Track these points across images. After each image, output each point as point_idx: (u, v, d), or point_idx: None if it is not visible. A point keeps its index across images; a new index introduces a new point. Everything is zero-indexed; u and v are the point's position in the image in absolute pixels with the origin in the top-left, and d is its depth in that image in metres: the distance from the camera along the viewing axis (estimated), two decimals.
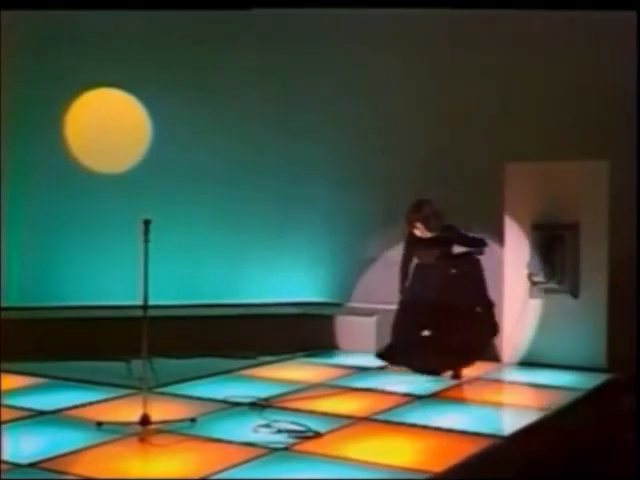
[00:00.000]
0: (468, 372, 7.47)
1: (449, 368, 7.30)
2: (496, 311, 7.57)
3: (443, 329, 7.24)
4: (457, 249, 7.52)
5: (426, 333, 7.32)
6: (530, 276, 7.93)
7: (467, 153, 9.01)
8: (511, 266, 8.06)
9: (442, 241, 7.36)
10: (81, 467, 5.07)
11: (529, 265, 7.91)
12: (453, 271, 7.36)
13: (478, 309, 7.36)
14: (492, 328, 7.51)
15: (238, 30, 9.37)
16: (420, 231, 7.36)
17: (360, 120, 9.41)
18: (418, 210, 7.36)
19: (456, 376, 7.29)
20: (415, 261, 7.53)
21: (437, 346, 7.22)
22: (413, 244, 7.48)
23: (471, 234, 7.49)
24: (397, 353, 7.37)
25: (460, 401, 6.65)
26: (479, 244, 7.43)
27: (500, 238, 8.16)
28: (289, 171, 9.46)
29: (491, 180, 8.26)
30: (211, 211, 9.25)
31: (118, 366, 7.59)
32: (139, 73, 9.19)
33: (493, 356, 7.96)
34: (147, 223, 5.65)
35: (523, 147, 8.59)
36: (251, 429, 5.66)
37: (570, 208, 7.84)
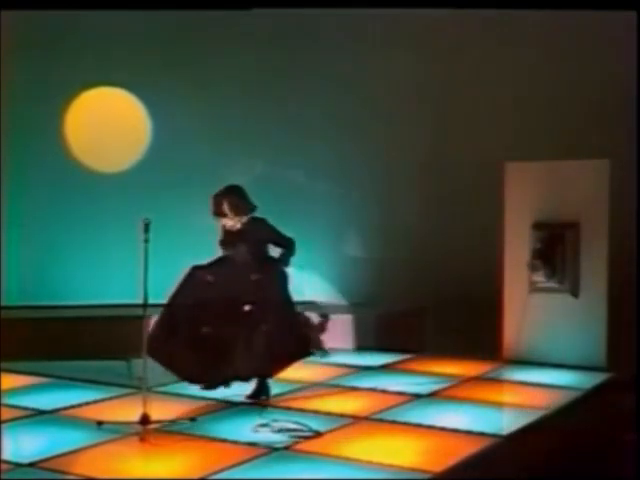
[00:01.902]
0: (467, 372, 7.48)
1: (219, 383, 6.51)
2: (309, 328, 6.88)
3: (224, 337, 6.39)
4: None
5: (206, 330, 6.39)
6: (530, 275, 7.92)
7: (467, 153, 9.02)
8: (511, 266, 8.06)
9: (252, 237, 6.58)
10: (81, 467, 5.08)
11: (529, 264, 7.91)
12: (255, 277, 6.53)
13: (263, 327, 6.44)
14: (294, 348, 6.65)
15: (238, 30, 9.37)
16: (228, 218, 6.57)
17: (360, 120, 9.42)
18: (228, 192, 6.58)
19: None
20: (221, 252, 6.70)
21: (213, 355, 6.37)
22: (222, 234, 6.69)
23: (284, 233, 6.68)
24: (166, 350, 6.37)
25: (460, 400, 6.64)
26: (290, 245, 6.62)
27: (500, 238, 8.16)
28: (290, 170, 9.46)
29: (491, 180, 8.26)
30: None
31: (118, 365, 7.59)
32: (139, 73, 9.19)
33: (493, 356, 7.98)
34: (147, 223, 5.67)
35: (523, 147, 8.60)
36: (251, 429, 5.66)
37: (570, 207, 7.83)
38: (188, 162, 9.12)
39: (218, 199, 6.57)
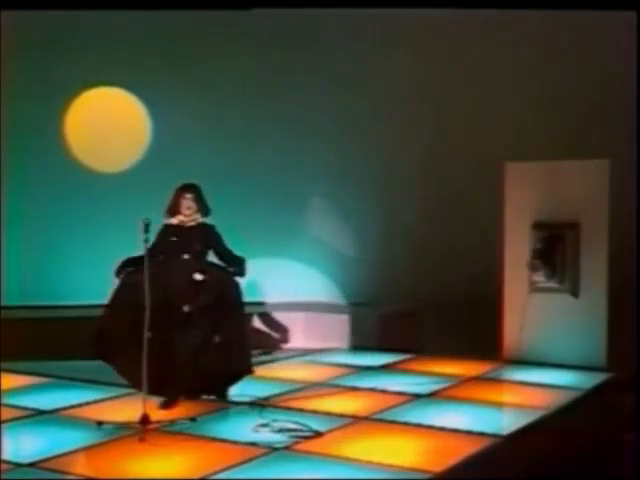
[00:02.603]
0: (467, 372, 7.48)
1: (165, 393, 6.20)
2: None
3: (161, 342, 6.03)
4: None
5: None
6: (530, 275, 7.92)
7: (467, 153, 9.02)
8: (511, 266, 8.06)
9: (201, 239, 6.46)
10: (81, 467, 5.09)
11: (529, 264, 7.91)
12: (198, 277, 6.32)
13: (216, 338, 6.26)
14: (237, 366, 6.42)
15: (238, 30, 9.37)
16: (184, 215, 6.47)
17: (360, 120, 9.42)
18: (195, 188, 6.52)
19: (167, 404, 6.14)
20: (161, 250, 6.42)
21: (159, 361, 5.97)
22: (168, 231, 6.54)
23: (232, 251, 6.55)
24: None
25: (460, 400, 6.64)
26: (240, 263, 6.47)
27: (500, 238, 8.16)
28: (290, 170, 9.46)
29: (491, 180, 8.27)
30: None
31: None
32: (139, 73, 9.19)
33: (493, 356, 7.98)
34: (147, 223, 5.67)
35: (523, 147, 8.61)
36: (251, 429, 5.66)
37: (570, 207, 7.83)
38: (188, 162, 9.11)
39: (182, 192, 6.52)
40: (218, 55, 9.40)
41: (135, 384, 6.05)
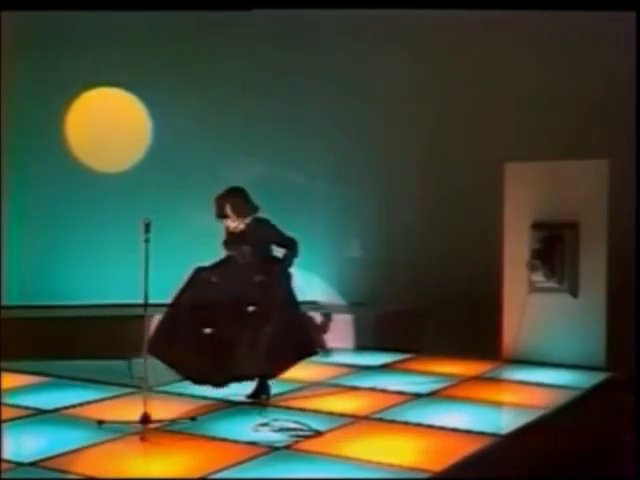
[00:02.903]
0: (467, 371, 7.50)
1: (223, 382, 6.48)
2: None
3: (225, 338, 6.37)
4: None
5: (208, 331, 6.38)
6: (529, 275, 7.93)
7: (467, 153, 9.03)
8: (510, 265, 8.06)
9: (255, 237, 6.57)
10: (82, 466, 5.08)
11: (528, 264, 7.91)
12: (258, 278, 6.52)
13: (267, 328, 6.43)
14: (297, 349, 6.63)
15: (238, 30, 9.38)
16: (231, 219, 6.57)
17: (360, 120, 9.42)
18: (230, 194, 6.58)
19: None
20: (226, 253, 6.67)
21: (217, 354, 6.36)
22: (226, 235, 6.68)
23: (287, 234, 6.66)
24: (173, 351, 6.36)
25: (460, 400, 6.65)
26: (293, 245, 6.62)
27: (500, 238, 8.16)
28: (290, 170, 9.47)
29: (491, 180, 8.27)
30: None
31: (118, 365, 7.60)
32: (139, 73, 9.20)
33: (493, 355, 7.98)
34: (147, 223, 5.68)
35: (523, 147, 8.61)
36: (251, 428, 5.67)
37: (570, 207, 7.84)
38: (188, 162, 9.13)
39: (220, 201, 6.57)
40: (218, 55, 9.41)
41: (189, 375, 6.42)
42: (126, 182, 9.14)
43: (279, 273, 6.60)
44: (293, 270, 6.66)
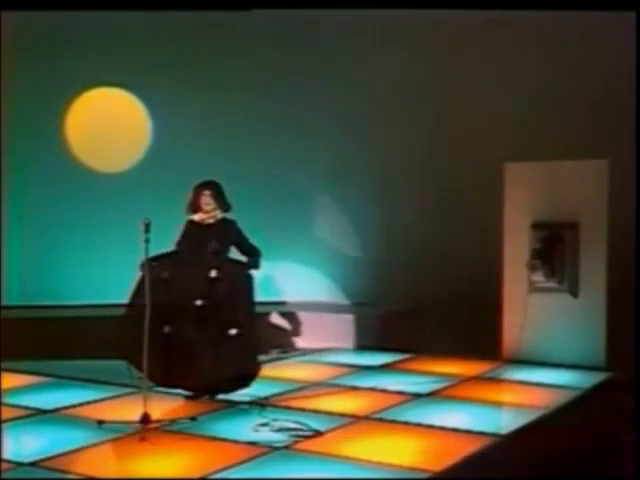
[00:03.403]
0: (467, 371, 7.50)
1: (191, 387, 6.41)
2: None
3: (181, 339, 6.21)
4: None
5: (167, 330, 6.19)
6: (529, 275, 7.93)
7: (467, 153, 9.03)
8: (510, 265, 8.06)
9: (221, 235, 6.47)
10: (82, 466, 5.08)
11: (528, 264, 7.91)
12: (213, 274, 6.35)
13: (232, 331, 6.31)
14: (248, 361, 6.46)
15: (238, 30, 9.38)
16: (204, 211, 6.49)
17: (360, 120, 9.43)
18: (211, 183, 6.52)
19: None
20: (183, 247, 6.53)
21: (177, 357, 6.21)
22: (188, 230, 6.58)
23: (251, 245, 6.59)
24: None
25: (460, 400, 6.65)
26: (256, 254, 6.53)
27: (500, 238, 8.16)
28: (290, 170, 9.47)
29: (491, 180, 8.27)
30: None
31: (118, 365, 7.58)
32: (139, 73, 9.20)
33: (493, 355, 7.99)
34: (147, 223, 5.68)
35: (523, 147, 8.61)
36: (251, 428, 5.67)
37: (570, 208, 7.84)
38: (188, 162, 9.12)
39: (200, 189, 6.52)
40: (218, 55, 9.41)
41: (154, 379, 6.09)
42: (126, 182, 9.14)
43: (239, 274, 6.46)
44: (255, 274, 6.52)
